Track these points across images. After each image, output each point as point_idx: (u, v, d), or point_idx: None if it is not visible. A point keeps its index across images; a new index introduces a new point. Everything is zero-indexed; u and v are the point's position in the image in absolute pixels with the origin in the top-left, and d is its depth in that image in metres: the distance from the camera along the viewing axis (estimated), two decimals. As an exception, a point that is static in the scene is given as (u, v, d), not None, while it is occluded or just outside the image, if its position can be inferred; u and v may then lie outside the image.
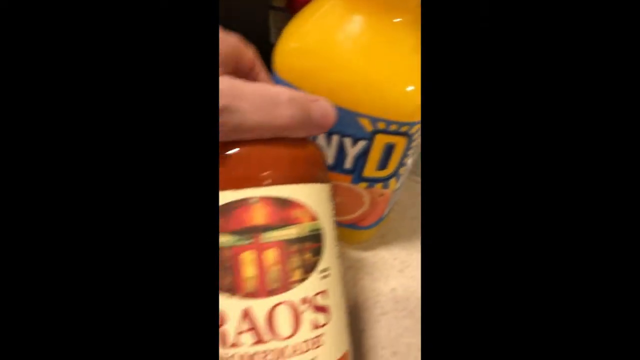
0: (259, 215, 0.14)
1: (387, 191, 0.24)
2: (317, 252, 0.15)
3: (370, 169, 0.22)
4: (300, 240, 0.14)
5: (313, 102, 0.15)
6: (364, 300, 0.26)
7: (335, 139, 0.21)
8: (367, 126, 0.20)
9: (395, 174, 0.23)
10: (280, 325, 0.14)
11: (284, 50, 0.21)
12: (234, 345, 0.13)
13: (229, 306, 0.13)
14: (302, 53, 0.20)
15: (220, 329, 0.13)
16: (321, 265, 0.15)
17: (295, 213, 0.14)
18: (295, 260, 0.14)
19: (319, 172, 0.16)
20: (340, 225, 0.26)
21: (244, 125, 0.13)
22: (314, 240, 0.15)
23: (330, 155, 0.22)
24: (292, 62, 0.20)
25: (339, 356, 0.15)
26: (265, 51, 0.21)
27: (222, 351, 0.13)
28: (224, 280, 0.13)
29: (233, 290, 0.13)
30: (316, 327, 0.14)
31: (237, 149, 0.14)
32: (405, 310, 0.25)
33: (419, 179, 0.33)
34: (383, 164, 0.22)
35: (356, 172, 0.23)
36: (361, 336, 0.24)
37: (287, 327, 0.14)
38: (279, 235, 0.14)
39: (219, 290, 0.13)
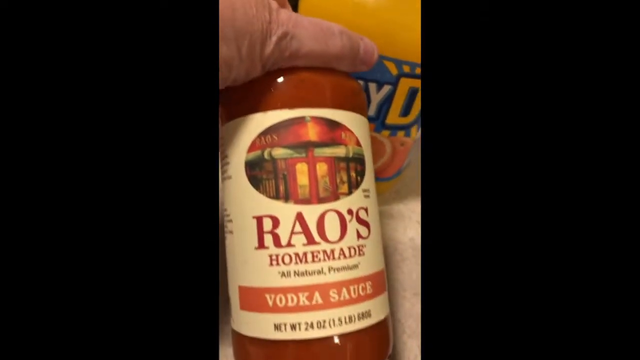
0: (312, 133, 0.15)
1: (409, 140, 0.25)
2: (361, 173, 0.16)
3: (393, 116, 0.23)
4: (347, 159, 0.16)
5: (361, 39, 0.16)
6: (384, 248, 0.26)
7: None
8: (393, 70, 0.21)
9: (417, 121, 0.24)
10: (329, 230, 0.15)
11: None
12: (288, 245, 0.14)
13: (283, 211, 0.15)
14: (327, -1, 0.21)
15: (274, 231, 0.15)
16: (363, 185, 0.16)
17: (343, 135, 0.16)
18: (343, 176, 0.15)
19: (362, 105, 0.18)
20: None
21: (301, 52, 0.15)
22: (357, 162, 0.16)
23: (354, 103, 0.23)
24: (317, 7, 0.21)
25: (378, 269, 0.16)
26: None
27: (276, 250, 0.15)
28: (278, 188, 0.15)
29: (287, 197, 0.15)
30: (360, 237, 0.16)
31: (295, 73, 0.15)
32: (423, 257, 0.26)
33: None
34: (406, 110, 0.23)
35: (379, 119, 0.23)
36: (383, 279, 0.25)
37: (335, 232, 0.15)
38: (329, 152, 0.15)
39: (274, 197, 0.15)
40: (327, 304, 0.14)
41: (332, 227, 0.15)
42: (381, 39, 0.20)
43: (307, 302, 0.14)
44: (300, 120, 0.15)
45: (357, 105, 0.17)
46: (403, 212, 0.29)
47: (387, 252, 0.26)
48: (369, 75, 0.21)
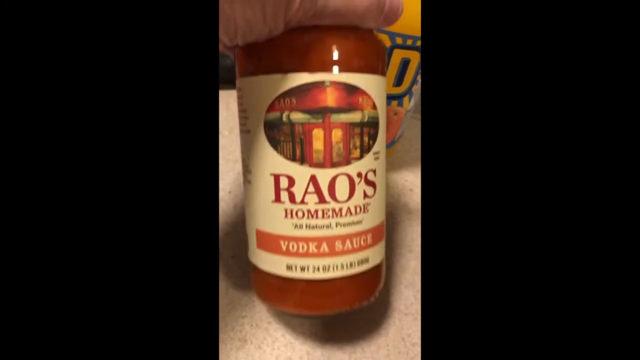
0: (330, 98, 0.15)
1: (401, 109, 0.27)
2: (374, 137, 0.17)
3: (388, 86, 0.25)
4: (361, 124, 0.16)
5: None
6: (380, 212, 0.29)
7: (357, 56, 0.24)
8: (386, 41, 0.23)
9: (408, 92, 0.26)
10: (339, 191, 0.16)
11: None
12: (302, 202, 0.16)
13: (299, 172, 0.16)
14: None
15: (290, 189, 0.16)
16: (374, 149, 0.17)
17: (360, 100, 0.16)
18: (356, 141, 0.16)
19: (382, 65, 0.18)
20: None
21: (327, 10, 0.14)
22: (371, 126, 0.17)
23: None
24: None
25: (378, 223, 0.18)
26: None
27: (291, 206, 0.16)
28: (295, 150, 0.16)
29: (303, 160, 0.16)
30: (365, 196, 0.17)
31: (317, 34, 0.15)
32: (416, 220, 0.29)
33: (419, 115, 0.36)
34: (399, 80, 0.25)
35: (375, 89, 0.25)
36: (380, 239, 0.27)
37: (344, 193, 0.16)
38: (345, 118, 0.16)
39: (290, 159, 0.16)
40: (332, 253, 0.17)
41: (342, 188, 0.16)
42: (376, 14, 0.22)
43: (315, 250, 0.17)
44: (320, 85, 0.15)
45: (377, 66, 0.17)
46: (397, 181, 0.31)
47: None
48: (365, 48, 0.23)
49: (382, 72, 0.17)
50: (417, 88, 0.26)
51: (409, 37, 0.22)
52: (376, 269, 0.19)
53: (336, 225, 0.16)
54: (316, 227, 0.16)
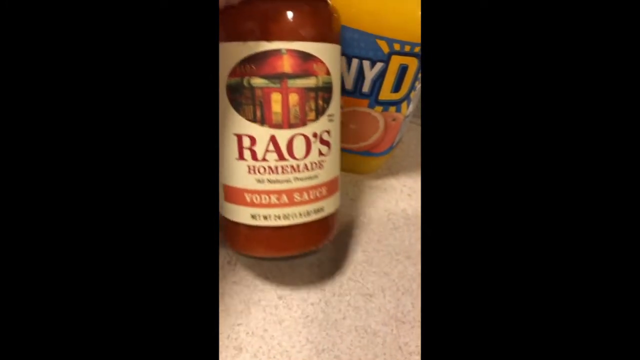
0: (287, 65, 0.17)
1: (399, 115, 0.27)
2: (327, 100, 0.19)
3: (385, 92, 0.25)
4: (316, 89, 0.18)
5: None
6: (379, 218, 0.28)
7: (355, 62, 0.24)
8: (385, 48, 0.23)
9: (407, 98, 0.26)
10: (297, 150, 0.18)
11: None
12: (263, 160, 0.18)
13: (259, 132, 0.18)
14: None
15: (252, 148, 0.18)
16: (329, 111, 0.19)
17: (315, 66, 0.18)
18: (311, 104, 0.18)
19: (335, 34, 0.19)
20: (354, 153, 0.29)
21: None
22: (326, 90, 0.18)
23: (349, 81, 0.25)
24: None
25: (332, 177, 0.21)
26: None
27: (253, 163, 0.18)
28: (256, 113, 0.17)
29: (263, 121, 0.17)
30: (321, 154, 0.19)
31: (273, 4, 0.17)
32: (415, 225, 0.28)
33: (417, 120, 0.36)
34: (397, 86, 0.25)
35: (373, 95, 0.25)
36: (378, 245, 0.27)
37: (301, 151, 0.18)
38: (301, 83, 0.17)
39: (252, 120, 0.18)
40: (291, 203, 0.19)
41: (299, 147, 0.18)
42: (374, 20, 0.22)
43: (276, 201, 0.19)
44: (277, 52, 0.17)
45: (330, 35, 0.19)
46: (395, 186, 0.31)
47: (382, 222, 0.28)
48: (363, 53, 0.23)
49: (336, 41, 0.19)
50: (415, 94, 0.26)
51: (407, 43, 0.22)
52: (331, 217, 0.21)
53: (294, 180, 0.19)
54: (276, 181, 0.18)
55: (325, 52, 0.18)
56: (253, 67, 0.17)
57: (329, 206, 0.20)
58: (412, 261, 0.26)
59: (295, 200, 0.19)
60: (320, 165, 0.19)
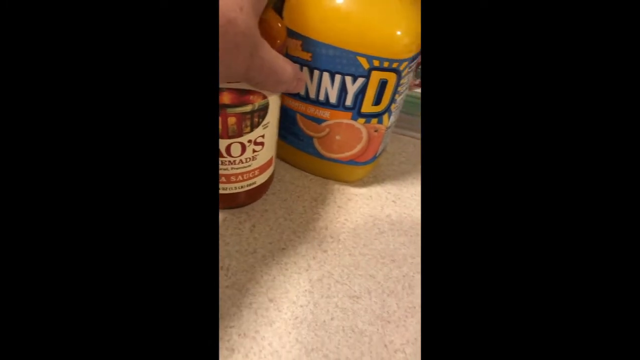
0: (225, 99, 0.21)
1: (381, 127, 0.28)
2: (263, 116, 0.24)
3: (367, 105, 0.27)
4: (251, 112, 0.23)
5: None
6: (364, 224, 0.30)
7: (338, 78, 0.26)
8: (365, 64, 0.25)
9: (387, 110, 0.27)
10: (233, 151, 0.24)
11: (292, 4, 0.25)
12: None
13: None
14: (308, 6, 0.24)
15: None
16: (264, 122, 0.24)
17: (251, 97, 0.22)
18: (247, 122, 0.23)
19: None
20: (340, 162, 0.30)
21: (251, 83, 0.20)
22: (261, 110, 0.23)
23: (333, 95, 0.27)
24: (300, 13, 0.24)
25: (264, 162, 0.27)
26: (277, 6, 0.25)
27: None
28: None
29: None
30: (254, 152, 0.25)
31: None
32: (399, 230, 0.30)
33: (401, 131, 0.38)
34: (378, 99, 0.26)
35: (356, 108, 0.27)
36: (364, 249, 0.28)
37: (237, 152, 0.25)
38: (239, 110, 0.22)
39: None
40: (229, 182, 0.26)
41: (235, 150, 0.24)
42: (354, 38, 0.24)
43: (223, 180, 0.26)
44: (221, 90, 0.21)
45: None
46: (380, 193, 0.32)
47: (367, 227, 0.30)
48: (345, 69, 0.25)
49: None
50: (395, 106, 0.28)
51: (386, 59, 0.24)
52: (262, 185, 0.28)
53: (232, 169, 0.26)
54: (220, 169, 0.25)
55: None
56: None
57: (260, 180, 0.28)
58: (397, 264, 0.27)
59: (232, 180, 0.26)
60: (253, 158, 0.26)
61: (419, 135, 0.37)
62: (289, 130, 0.30)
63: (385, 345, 0.23)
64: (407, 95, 0.38)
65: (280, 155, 0.33)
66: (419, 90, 0.44)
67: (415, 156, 0.36)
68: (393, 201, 0.32)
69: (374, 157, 0.31)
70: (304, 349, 0.22)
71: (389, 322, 0.24)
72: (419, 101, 0.38)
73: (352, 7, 0.24)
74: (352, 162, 0.30)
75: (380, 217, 0.30)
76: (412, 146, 0.37)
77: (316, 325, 0.23)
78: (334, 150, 0.30)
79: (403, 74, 0.26)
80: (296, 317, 0.24)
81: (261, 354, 0.21)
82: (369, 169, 0.32)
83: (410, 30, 0.24)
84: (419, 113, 0.37)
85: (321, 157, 0.30)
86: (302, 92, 0.28)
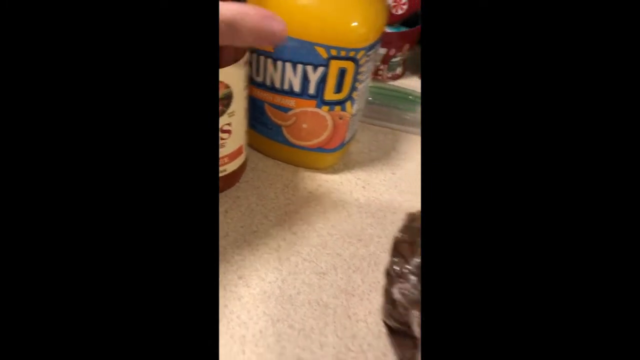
0: None
1: (346, 114, 0.30)
2: (227, 104, 0.25)
3: (329, 93, 0.28)
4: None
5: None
6: (333, 207, 0.31)
7: (299, 67, 0.27)
8: (323, 54, 0.26)
9: (349, 98, 0.29)
10: None
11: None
12: None
13: None
14: (268, 0, 0.26)
15: None
16: (229, 111, 0.25)
17: None
18: None
19: (239, 53, 0.24)
20: (309, 149, 0.32)
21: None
22: (225, 98, 0.25)
23: (297, 84, 0.28)
24: (261, 3, 0.26)
25: (233, 150, 0.28)
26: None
27: None
28: None
29: None
30: (222, 139, 0.27)
31: None
32: (367, 212, 0.31)
33: (372, 120, 0.39)
34: (339, 87, 0.28)
35: (319, 96, 0.28)
36: (332, 230, 0.29)
37: None
38: None
39: None
40: None
41: None
42: (312, 30, 0.26)
43: None
44: None
45: (235, 57, 0.24)
46: (350, 179, 0.34)
47: (337, 210, 0.31)
48: (305, 59, 0.27)
49: (235, 61, 0.24)
50: (357, 94, 0.29)
51: (343, 49, 0.26)
52: (233, 173, 0.30)
53: None
54: None
55: (227, 74, 0.24)
56: None
57: (231, 167, 0.29)
58: (364, 243, 0.29)
59: None
60: (222, 145, 0.27)
61: (389, 125, 0.39)
62: (258, 119, 0.32)
63: (349, 317, 0.24)
64: (379, 87, 0.40)
65: (253, 145, 0.34)
66: (391, 82, 0.46)
67: (386, 145, 0.38)
68: (362, 187, 0.33)
69: (342, 145, 0.32)
70: (270, 320, 0.23)
71: (353, 295, 0.26)
72: (390, 93, 0.40)
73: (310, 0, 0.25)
74: (320, 149, 0.32)
75: (349, 201, 0.32)
76: (382, 135, 0.39)
77: (283, 299, 0.25)
78: (302, 138, 0.31)
79: (361, 62, 0.27)
80: (264, 292, 0.25)
81: (229, 325, 0.23)
82: (338, 155, 0.34)
83: (366, 21, 0.26)
84: (390, 104, 0.39)
85: (291, 145, 0.32)
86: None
